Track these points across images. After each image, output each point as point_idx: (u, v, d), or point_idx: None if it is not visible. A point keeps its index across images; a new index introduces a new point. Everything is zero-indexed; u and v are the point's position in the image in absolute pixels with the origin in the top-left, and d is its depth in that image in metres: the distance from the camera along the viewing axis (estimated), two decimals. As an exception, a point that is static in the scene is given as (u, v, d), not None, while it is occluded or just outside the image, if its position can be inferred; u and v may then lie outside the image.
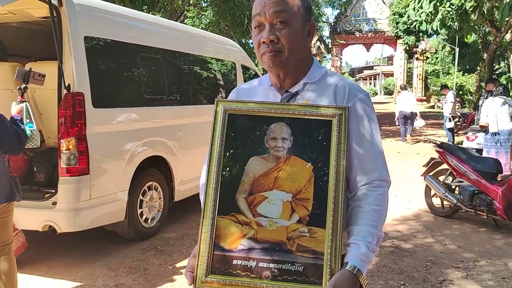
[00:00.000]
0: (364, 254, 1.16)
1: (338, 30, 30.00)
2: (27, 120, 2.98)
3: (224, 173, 1.24)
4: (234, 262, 1.17)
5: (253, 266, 1.16)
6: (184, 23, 12.95)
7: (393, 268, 3.79)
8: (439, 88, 30.82)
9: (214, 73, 6.23)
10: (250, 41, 18.81)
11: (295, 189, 1.21)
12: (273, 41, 1.27)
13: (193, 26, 12.82)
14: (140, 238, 4.52)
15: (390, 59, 49.49)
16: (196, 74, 5.75)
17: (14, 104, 3.01)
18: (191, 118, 5.42)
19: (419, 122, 11.87)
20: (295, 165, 1.22)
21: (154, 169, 4.72)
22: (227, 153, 1.25)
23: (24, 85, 3.10)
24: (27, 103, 3.04)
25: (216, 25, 15.08)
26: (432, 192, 5.52)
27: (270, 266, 1.16)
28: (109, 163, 4.03)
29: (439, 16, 8.73)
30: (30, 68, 3.18)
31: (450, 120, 11.08)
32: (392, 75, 41.91)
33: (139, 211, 4.48)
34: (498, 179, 4.97)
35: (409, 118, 12.00)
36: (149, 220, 4.67)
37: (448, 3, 8.50)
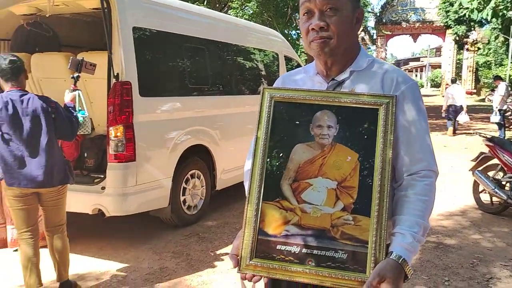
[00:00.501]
0: (410, 244, 1.14)
1: (384, 21, 29.15)
2: (79, 108, 3.12)
3: (269, 159, 1.25)
4: (278, 247, 1.19)
5: (296, 252, 1.17)
6: (228, 14, 13.03)
7: (437, 264, 3.69)
8: (490, 81, 29.41)
9: (256, 64, 6.25)
10: (293, 32, 18.66)
11: (340, 177, 1.20)
12: (322, 28, 1.26)
13: (237, 17, 12.89)
14: (183, 225, 4.64)
15: (438, 50, 47.61)
16: (239, 65, 5.79)
17: (67, 92, 3.15)
18: (234, 108, 5.47)
19: (463, 117, 11.47)
20: (340, 153, 1.22)
21: (197, 157, 4.82)
22: (273, 140, 1.26)
23: (77, 74, 3.24)
24: (79, 91, 3.18)
25: (259, 16, 15.07)
26: (481, 188, 5.30)
27: (314, 252, 1.16)
28: (154, 151, 4.15)
29: (492, 4, 8.28)
30: (83, 58, 3.31)
31: (496, 114, 10.57)
32: (439, 67, 40.29)
33: (182, 198, 4.60)
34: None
35: (458, 111, 11.62)
36: (192, 208, 4.79)
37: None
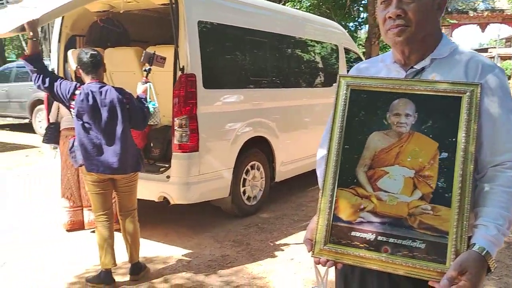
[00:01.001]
0: (494, 236, 1.10)
1: (449, 10, 27.68)
2: (150, 99, 3.28)
3: (345, 146, 1.26)
4: (353, 233, 1.19)
5: (371, 239, 1.17)
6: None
7: (508, 264, 3.51)
8: None
9: (315, 56, 6.21)
10: (351, 23, 18.25)
11: (418, 166, 1.18)
12: (399, 16, 1.24)
13: (295, 9, 12.80)
14: (242, 215, 4.74)
15: (508, 41, 44.55)
16: (298, 57, 5.79)
17: (139, 84, 3.32)
18: (294, 101, 5.49)
19: None
20: (419, 142, 1.20)
21: (257, 149, 4.89)
22: (349, 128, 1.27)
23: (149, 67, 3.40)
24: (150, 83, 3.34)
25: (317, 8, 14.88)
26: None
27: (390, 241, 1.16)
28: (216, 142, 4.27)
29: None
30: (154, 52, 3.47)
31: None
32: (510, 58, 37.69)
33: (242, 189, 4.69)
34: None
35: None
36: (251, 199, 4.87)
37: None
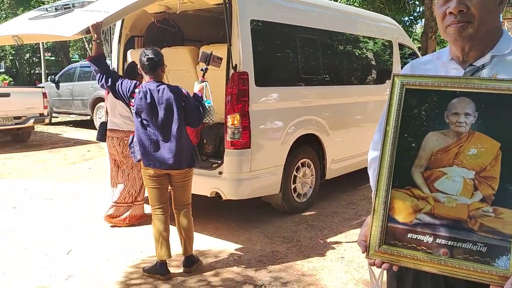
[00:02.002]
0: None
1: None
2: (206, 98, 3.37)
3: (400, 147, 1.23)
4: (409, 235, 1.17)
5: (429, 242, 1.15)
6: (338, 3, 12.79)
7: None
8: None
9: (368, 52, 6.09)
10: (406, 18, 17.66)
11: (479, 167, 1.15)
12: (461, 11, 1.20)
13: (347, 5, 12.59)
14: (293, 212, 4.76)
15: None
16: (350, 54, 5.70)
17: (196, 83, 3.43)
18: (345, 98, 5.42)
19: None
20: (479, 142, 1.16)
21: (308, 147, 4.88)
22: (403, 127, 1.24)
23: (205, 67, 3.50)
24: (207, 82, 3.44)
25: (370, 3, 14.53)
26: None
27: (449, 243, 1.13)
28: (267, 139, 4.31)
29: None
30: (211, 52, 3.56)
31: None
32: None
33: (292, 186, 4.71)
34: None
35: None
36: (302, 196, 4.88)
37: None
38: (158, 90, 3.12)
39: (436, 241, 1.15)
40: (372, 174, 1.41)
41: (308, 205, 4.97)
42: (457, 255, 1.12)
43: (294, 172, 4.73)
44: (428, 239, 1.16)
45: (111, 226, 4.41)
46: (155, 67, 3.16)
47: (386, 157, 1.25)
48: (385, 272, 1.28)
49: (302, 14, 4.88)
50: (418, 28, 21.70)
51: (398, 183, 1.22)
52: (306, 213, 4.83)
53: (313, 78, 5.02)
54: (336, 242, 4.01)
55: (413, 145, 1.23)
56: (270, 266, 3.52)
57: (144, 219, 4.48)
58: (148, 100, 3.08)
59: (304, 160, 4.86)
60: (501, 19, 1.26)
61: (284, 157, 4.49)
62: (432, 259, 1.14)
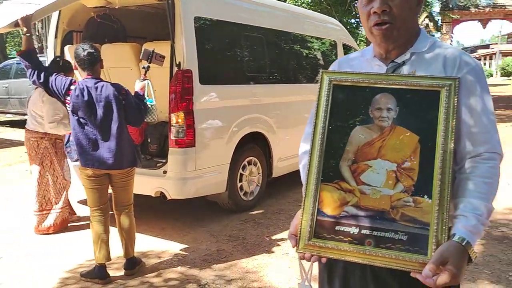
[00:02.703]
0: (474, 226, 1.11)
1: (450, 6, 27.60)
2: (147, 97, 3.29)
3: (328, 142, 1.27)
4: (337, 227, 1.20)
5: (355, 233, 1.18)
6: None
7: (501, 259, 3.53)
8: None
9: (314, 52, 6.21)
10: (352, 20, 18.22)
11: (400, 159, 1.20)
12: (384, 11, 1.25)
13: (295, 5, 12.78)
14: (239, 210, 4.76)
15: (510, 37, 44.38)
16: (296, 53, 5.79)
17: (137, 81, 3.34)
18: (291, 97, 5.49)
19: None
20: (400, 136, 1.21)
21: (254, 145, 4.90)
22: (332, 123, 1.28)
23: (147, 65, 3.41)
24: (148, 81, 3.35)
25: (317, 5, 14.86)
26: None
27: (373, 234, 1.17)
28: (212, 137, 4.28)
29: None
30: (153, 49, 3.47)
31: None
32: (511, 54, 37.57)
33: (239, 184, 4.71)
34: None
35: None
36: (248, 194, 4.89)
37: None
38: (97, 88, 3.00)
39: (362, 232, 1.18)
40: (302, 169, 1.43)
41: (255, 203, 4.99)
42: (381, 244, 1.16)
43: (241, 171, 4.73)
44: (354, 230, 1.19)
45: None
46: (94, 62, 3.04)
47: (316, 152, 1.28)
48: (316, 264, 1.30)
49: (248, 13, 4.89)
50: (364, 30, 22.46)
51: (327, 177, 1.25)
52: (253, 212, 4.84)
53: (259, 77, 5.04)
54: (282, 239, 4.05)
55: (341, 139, 1.27)
56: (215, 265, 3.50)
57: (74, 222, 4.31)
58: (86, 97, 2.96)
59: (251, 158, 4.87)
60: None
61: (230, 155, 4.48)
62: (357, 249, 1.17)
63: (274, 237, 4.10)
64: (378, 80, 1.26)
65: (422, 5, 1.33)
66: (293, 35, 5.67)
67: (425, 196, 1.15)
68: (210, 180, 4.28)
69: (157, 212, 4.68)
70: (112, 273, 3.25)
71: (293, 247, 1.25)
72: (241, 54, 4.79)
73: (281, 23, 5.40)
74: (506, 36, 46.55)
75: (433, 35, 29.55)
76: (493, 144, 1.22)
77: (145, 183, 4.03)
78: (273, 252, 3.76)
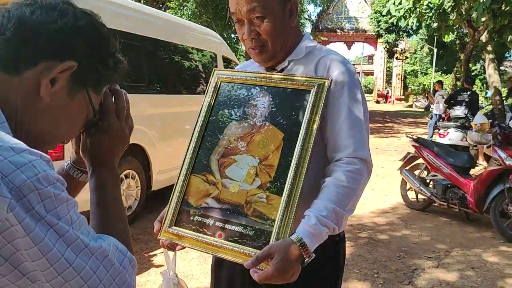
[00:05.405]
0: (312, 226, 1.09)
1: (320, 28, 30.19)
2: None
3: (205, 134, 1.30)
4: (196, 218, 1.23)
5: (210, 224, 1.20)
6: (166, 14, 12.80)
7: (367, 258, 3.86)
8: (417, 88, 31.37)
9: (195, 63, 6.20)
10: (232, 35, 18.75)
11: (263, 155, 1.22)
12: (254, 38, 1.28)
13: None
14: (116, 227, 4.46)
15: (370, 58, 50.11)
16: (177, 63, 5.71)
17: None
18: (171, 108, 5.38)
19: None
20: (268, 132, 1.24)
21: (132, 157, 4.67)
22: (212, 117, 1.32)
23: None
24: None
25: (198, 18, 14.98)
26: (408, 186, 5.62)
27: (225, 227, 1.18)
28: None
29: (416, 13, 8.93)
30: None
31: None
32: (372, 73, 42.46)
33: (115, 199, 4.42)
34: (471, 174, 5.11)
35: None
36: (126, 209, 4.62)
37: (426, 1, 8.67)
38: None
39: (216, 224, 1.20)
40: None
41: (134, 218, 4.74)
42: (230, 237, 1.16)
43: (117, 184, 4.45)
44: (210, 222, 1.21)
45: None
46: None
47: (192, 144, 1.30)
48: (209, 257, 1.29)
49: (126, 20, 4.67)
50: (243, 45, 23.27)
51: (198, 169, 1.28)
52: (132, 227, 4.59)
53: (138, 86, 4.83)
54: (162, 255, 3.89)
55: (217, 132, 1.30)
56: None
57: None
58: None
59: (128, 171, 4.63)
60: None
61: (105, 168, 4.18)
62: (207, 240, 1.18)
63: (153, 253, 3.92)
64: (257, 78, 1.31)
65: (297, 12, 1.33)
66: (174, 45, 5.58)
67: (278, 193, 1.16)
68: (81, 197, 3.92)
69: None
70: None
71: (156, 232, 1.27)
72: (117, 62, 4.54)
73: (161, 32, 5.28)
74: (367, 58, 52.44)
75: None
76: (356, 148, 1.22)
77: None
78: (153, 269, 3.59)
